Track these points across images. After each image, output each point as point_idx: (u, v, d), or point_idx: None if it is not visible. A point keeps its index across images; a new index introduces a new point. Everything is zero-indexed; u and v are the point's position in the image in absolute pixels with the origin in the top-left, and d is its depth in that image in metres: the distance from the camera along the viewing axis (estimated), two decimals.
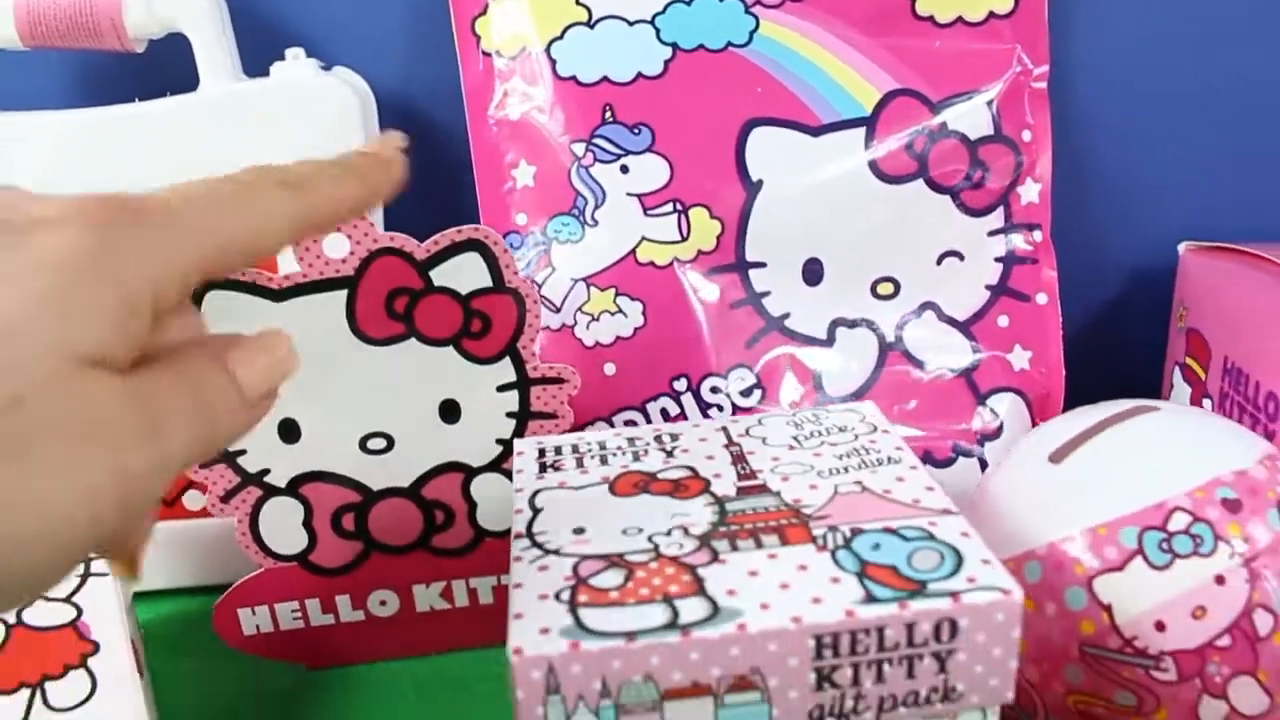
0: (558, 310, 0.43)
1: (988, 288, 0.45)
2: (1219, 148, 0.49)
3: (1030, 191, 0.45)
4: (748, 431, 0.36)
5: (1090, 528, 0.32)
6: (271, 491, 0.41)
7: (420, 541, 0.42)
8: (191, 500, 0.48)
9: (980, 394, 0.45)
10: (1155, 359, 0.49)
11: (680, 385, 0.43)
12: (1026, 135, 0.45)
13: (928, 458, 0.45)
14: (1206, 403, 0.45)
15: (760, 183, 0.43)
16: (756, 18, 0.43)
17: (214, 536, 0.47)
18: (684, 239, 0.43)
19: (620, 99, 0.43)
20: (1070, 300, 0.47)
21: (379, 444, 0.41)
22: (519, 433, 0.41)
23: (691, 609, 0.27)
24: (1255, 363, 0.41)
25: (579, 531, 0.31)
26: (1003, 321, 0.45)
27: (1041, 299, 0.45)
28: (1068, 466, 0.34)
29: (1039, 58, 0.44)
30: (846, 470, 0.33)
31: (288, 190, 0.25)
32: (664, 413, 0.43)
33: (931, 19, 0.44)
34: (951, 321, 0.45)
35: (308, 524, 0.42)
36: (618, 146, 0.43)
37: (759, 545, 0.29)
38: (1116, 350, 0.51)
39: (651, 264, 0.43)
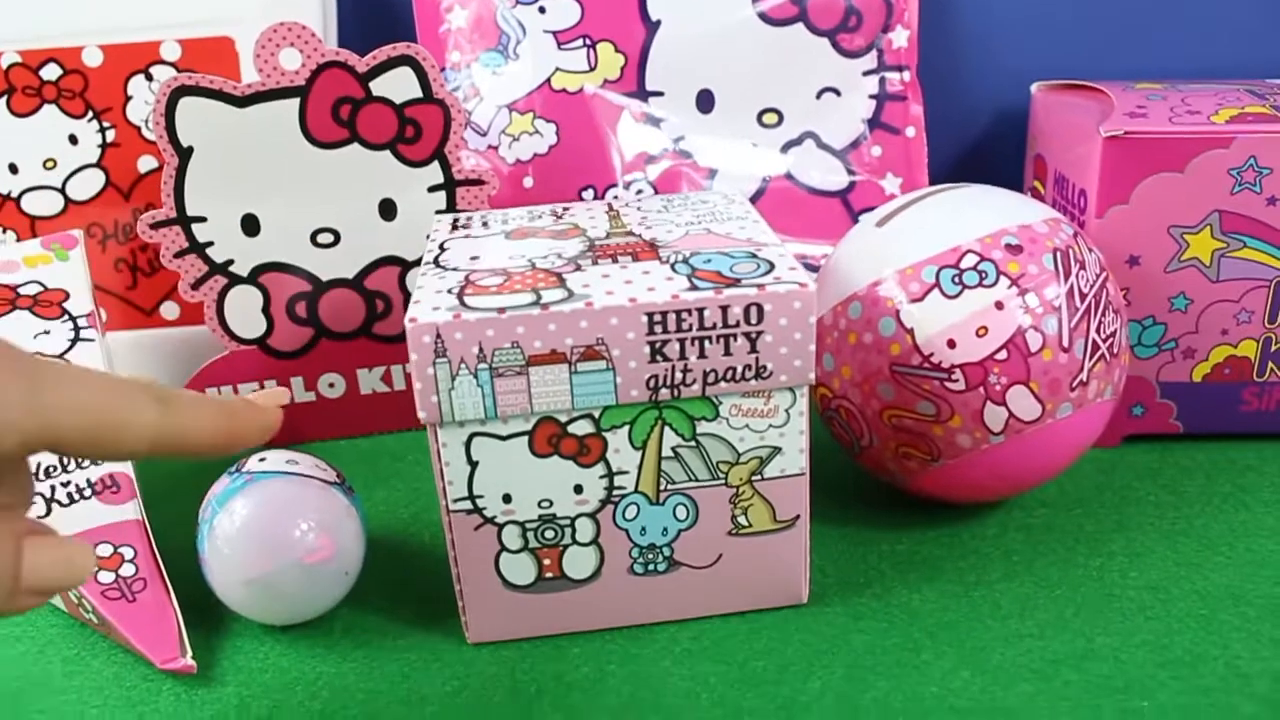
0: (484, 134, 0.50)
1: (863, 121, 0.52)
2: None
3: (900, 37, 0.51)
4: (627, 205, 0.43)
5: (899, 270, 0.39)
6: (235, 280, 0.48)
7: (363, 328, 0.49)
8: (168, 310, 0.55)
9: (854, 212, 0.51)
10: (1015, 186, 0.55)
11: (588, 195, 0.50)
12: None
13: (807, 266, 0.51)
14: None
15: (659, 22, 0.49)
16: None
17: (188, 341, 0.54)
18: (592, 69, 0.49)
19: None
20: (936, 134, 0.53)
21: (327, 238, 0.48)
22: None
23: (552, 295, 0.34)
24: (1071, 168, 0.48)
25: (474, 258, 0.37)
26: (876, 151, 0.52)
27: (910, 132, 0.52)
28: (889, 228, 0.40)
29: None
30: (699, 222, 0.40)
31: (158, 404, 0.26)
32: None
33: None
34: (829, 149, 0.51)
35: (266, 310, 0.48)
36: None
37: (615, 261, 0.36)
38: (978, 179, 0.56)
39: (564, 91, 0.49)
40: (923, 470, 0.40)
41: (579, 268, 0.36)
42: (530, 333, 0.33)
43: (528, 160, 0.49)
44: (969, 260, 0.38)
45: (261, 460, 0.39)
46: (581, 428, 0.34)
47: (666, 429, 0.35)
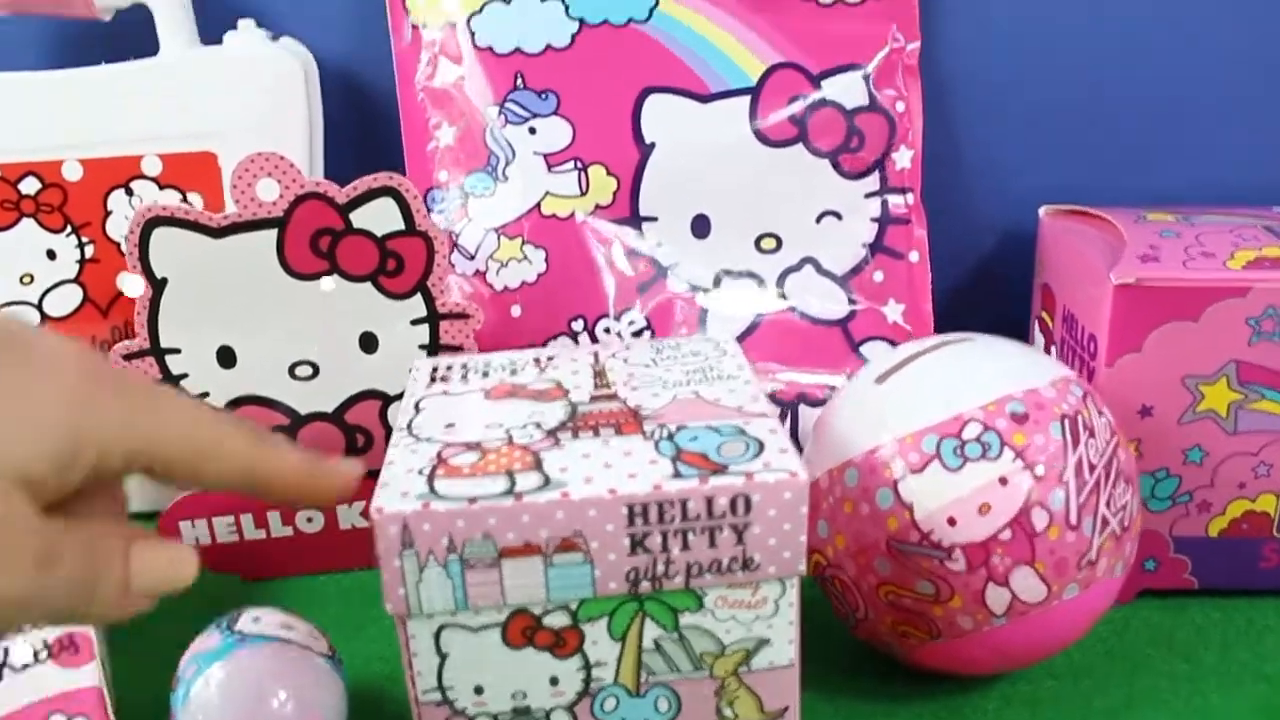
0: (472, 257, 0.48)
1: (864, 245, 0.50)
2: (1077, 117, 0.53)
3: (904, 158, 0.50)
4: (614, 355, 0.41)
5: (899, 437, 0.37)
6: None
7: None
8: None
9: (855, 342, 0.49)
10: (1022, 314, 0.54)
11: (577, 326, 0.48)
12: (900, 106, 0.49)
13: (803, 398, 0.49)
14: (1053, 350, 0.49)
15: (653, 145, 0.48)
16: None
17: None
18: (584, 194, 0.48)
19: (530, 68, 0.48)
20: (940, 258, 0.52)
21: (306, 371, 0.46)
22: None
23: (527, 480, 0.32)
24: (1081, 308, 0.45)
25: (449, 426, 0.36)
26: (878, 277, 0.50)
27: (914, 257, 0.50)
28: (888, 386, 0.38)
29: (911, 34, 0.49)
30: (688, 383, 0.38)
31: (252, 437, 0.27)
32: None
33: (815, 0, 0.49)
34: (830, 275, 0.50)
35: None
36: (527, 110, 0.48)
37: (596, 435, 0.34)
38: (985, 305, 0.56)
39: (554, 216, 0.48)
40: (921, 646, 0.38)
41: (558, 442, 0.34)
42: (503, 524, 0.31)
43: (516, 288, 0.47)
44: (972, 430, 0.36)
45: (256, 620, 0.37)
46: (558, 620, 0.32)
47: (648, 621, 0.33)
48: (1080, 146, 0.54)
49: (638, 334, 0.48)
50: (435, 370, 0.41)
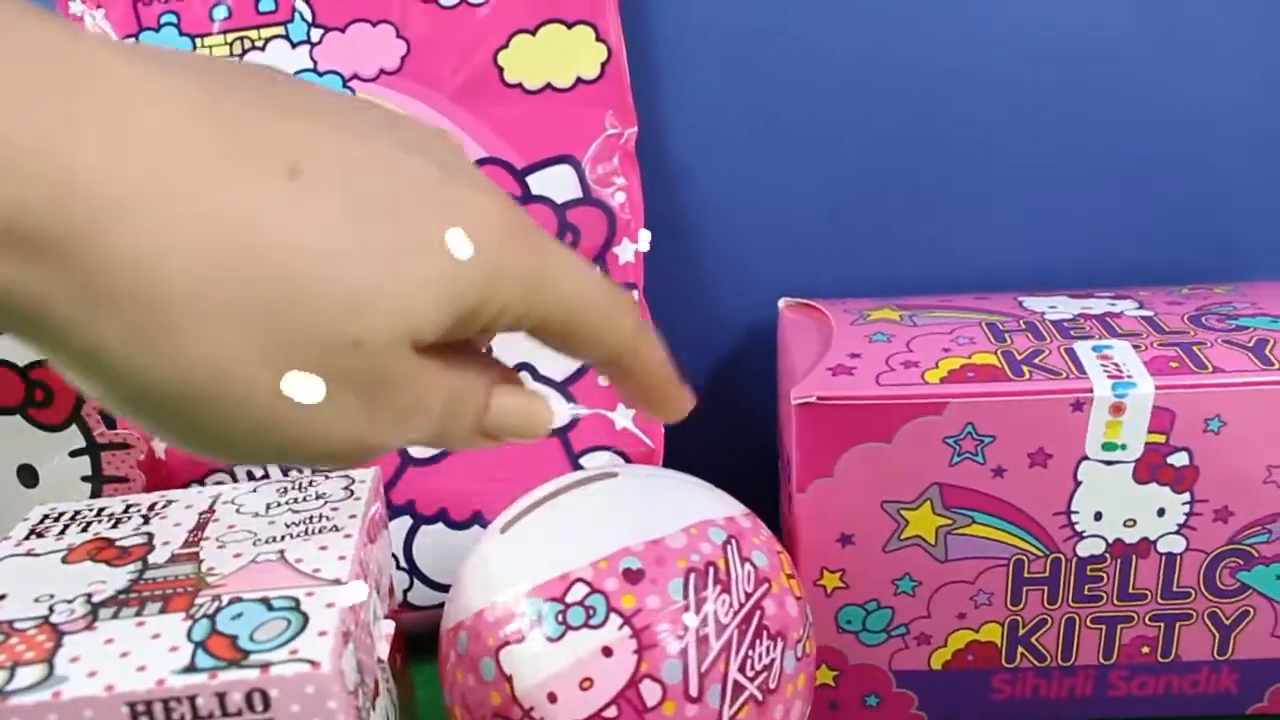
0: None
1: None
2: (813, 201, 0.49)
3: (626, 252, 0.46)
4: (233, 500, 0.37)
5: (504, 600, 0.33)
6: None
7: None
8: None
9: (574, 453, 0.45)
10: (769, 411, 0.49)
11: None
12: (620, 197, 0.46)
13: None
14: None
15: None
16: (353, 90, 0.45)
17: None
18: None
19: None
20: (682, 357, 0.47)
21: None
22: (95, 495, 0.43)
23: (28, 675, 0.29)
24: (783, 428, 0.42)
25: (2, 598, 0.33)
26: (603, 381, 0.46)
27: None
28: (509, 537, 0.35)
29: (627, 120, 0.46)
30: (281, 539, 0.34)
31: (641, 326, 0.26)
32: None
33: (520, 86, 0.45)
34: (548, 381, 0.46)
35: None
36: None
37: (139, 613, 0.31)
38: (727, 405, 0.51)
39: None
40: None
41: (93, 623, 0.31)
42: None
43: None
44: (577, 592, 0.32)
45: None
46: None
47: None
48: (831, 233, 0.50)
49: None
50: (44, 520, 0.38)
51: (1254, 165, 0.49)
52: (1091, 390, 0.36)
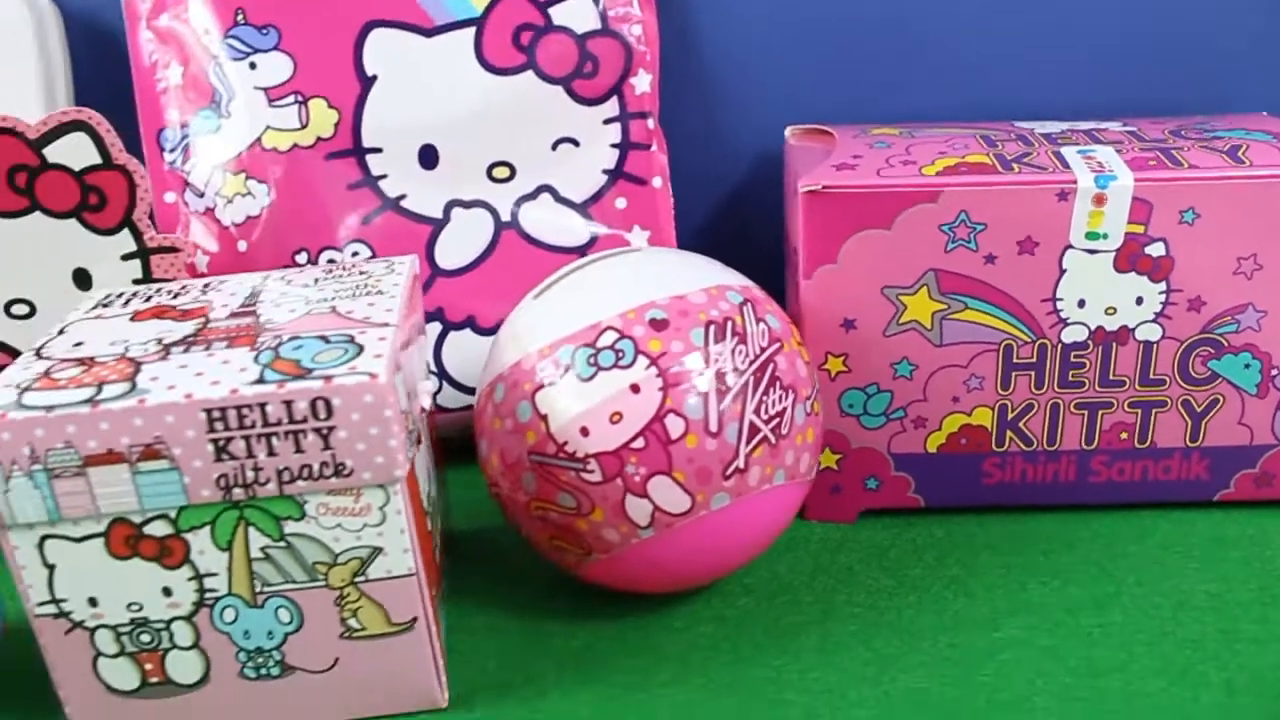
0: (202, 195, 0.48)
1: (604, 172, 0.49)
2: (832, 36, 0.52)
3: (642, 82, 0.49)
4: (285, 278, 0.40)
5: (538, 349, 0.36)
6: None
7: None
8: None
9: None
10: (774, 236, 0.53)
11: (301, 258, 0.47)
12: (635, 29, 0.48)
13: None
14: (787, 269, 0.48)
15: (374, 77, 0.47)
16: None
17: None
18: (304, 127, 0.47)
19: (251, 4, 0.47)
20: (694, 185, 0.51)
21: (22, 309, 0.46)
22: None
23: (113, 390, 0.32)
24: (790, 224, 0.45)
25: (77, 345, 0.35)
26: (620, 203, 0.49)
27: (656, 182, 0.49)
28: (544, 300, 0.37)
29: None
30: (330, 299, 0.37)
31: None
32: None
33: None
34: (568, 203, 0.49)
35: None
36: (248, 46, 0.47)
37: (208, 349, 0.34)
38: (736, 230, 0.55)
39: (275, 150, 0.47)
40: (581, 563, 0.37)
41: (166, 356, 0.34)
42: (83, 432, 0.31)
43: (242, 223, 0.47)
44: (607, 338, 0.35)
45: None
46: (159, 529, 0.32)
47: (251, 529, 0.32)
48: (831, 64, 0.53)
49: None
50: (107, 297, 0.41)
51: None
52: (1075, 182, 0.39)
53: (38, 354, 0.35)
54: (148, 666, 0.34)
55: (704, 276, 0.37)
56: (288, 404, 0.31)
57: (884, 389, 0.42)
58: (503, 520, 0.45)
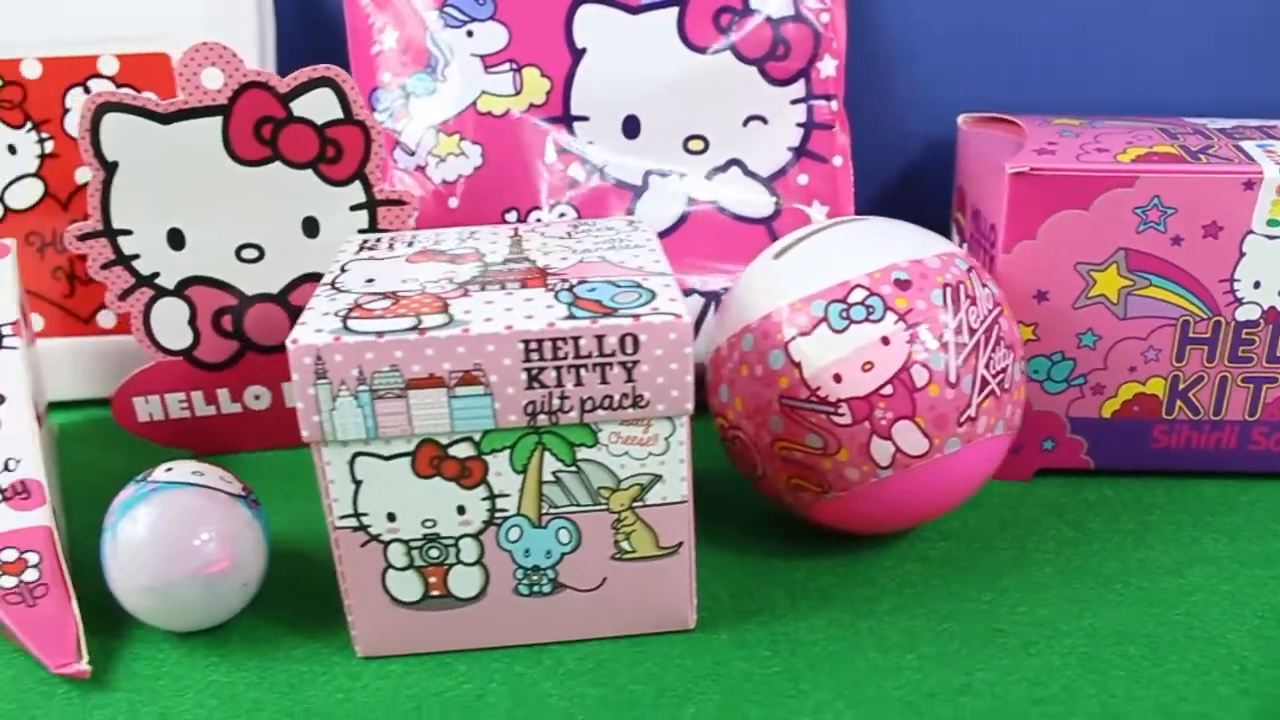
0: (413, 154, 0.50)
1: (789, 149, 0.52)
2: (1002, 31, 0.56)
3: (828, 67, 0.52)
4: (533, 230, 0.43)
5: (790, 303, 0.39)
6: (161, 292, 0.49)
7: None
8: (104, 319, 0.55)
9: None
10: (941, 216, 0.56)
11: (511, 217, 0.50)
12: (825, 18, 0.52)
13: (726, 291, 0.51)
14: (964, 246, 0.52)
15: (584, 50, 0.50)
16: None
17: (122, 352, 0.55)
18: (517, 93, 0.50)
19: None
20: (866, 164, 0.54)
21: (252, 254, 0.48)
22: None
23: (433, 320, 0.34)
24: (985, 202, 0.48)
25: (369, 281, 0.38)
26: (802, 180, 0.52)
27: (837, 161, 0.52)
28: (784, 260, 0.41)
29: None
30: (596, 249, 0.40)
31: None
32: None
33: None
34: (755, 176, 0.52)
35: (192, 323, 0.49)
36: (465, 15, 0.50)
37: (503, 288, 0.37)
38: (906, 208, 0.57)
39: (490, 114, 0.50)
40: (816, 502, 0.40)
41: (467, 293, 0.36)
42: (409, 357, 0.34)
43: (454, 181, 0.50)
44: (857, 295, 0.38)
45: (168, 470, 0.40)
46: (462, 450, 0.35)
47: (547, 454, 0.35)
48: (1003, 56, 0.56)
49: None
50: (365, 241, 0.43)
51: None
52: (1262, 172, 0.43)
53: (334, 287, 0.37)
54: (432, 580, 0.37)
55: (934, 244, 0.41)
56: (599, 338, 0.34)
57: (1068, 357, 0.46)
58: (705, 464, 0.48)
